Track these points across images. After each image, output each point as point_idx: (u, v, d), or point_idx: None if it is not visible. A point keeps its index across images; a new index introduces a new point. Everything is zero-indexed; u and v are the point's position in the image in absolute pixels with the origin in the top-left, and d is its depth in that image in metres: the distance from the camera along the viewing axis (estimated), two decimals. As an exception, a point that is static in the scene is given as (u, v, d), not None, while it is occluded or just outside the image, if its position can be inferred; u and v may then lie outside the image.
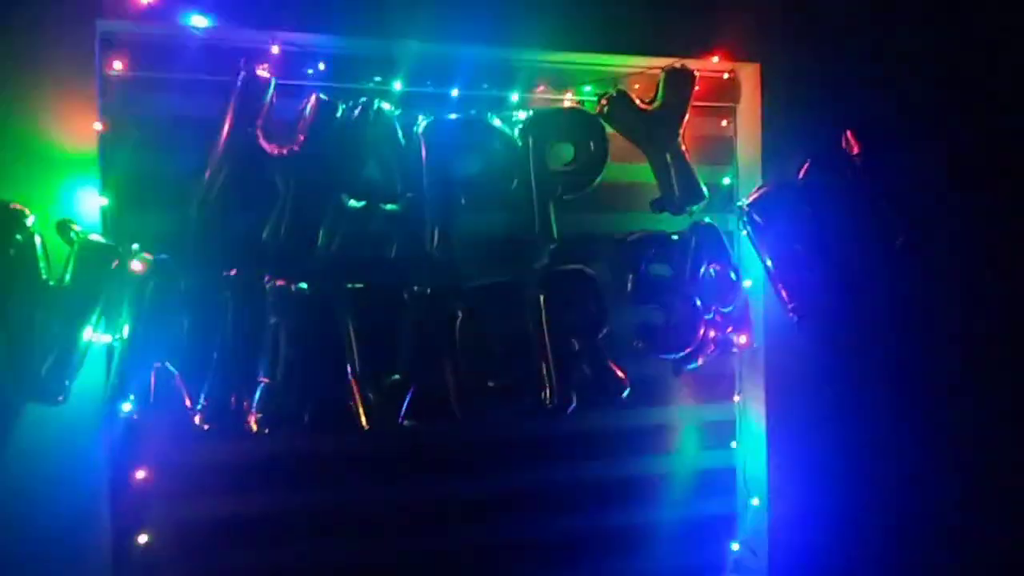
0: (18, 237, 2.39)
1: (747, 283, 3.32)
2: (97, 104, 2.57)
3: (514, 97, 3.04)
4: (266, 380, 2.66)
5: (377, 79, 2.90)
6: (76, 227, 2.47)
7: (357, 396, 2.75)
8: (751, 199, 3.26)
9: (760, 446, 3.40)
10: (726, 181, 3.38)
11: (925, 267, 3.52)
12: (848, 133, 3.38)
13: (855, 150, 3.37)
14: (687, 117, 3.12)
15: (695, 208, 3.16)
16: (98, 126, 2.56)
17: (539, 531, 3.18)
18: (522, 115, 2.99)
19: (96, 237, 2.49)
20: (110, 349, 2.55)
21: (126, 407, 2.54)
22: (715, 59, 3.25)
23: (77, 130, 2.53)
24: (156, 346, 2.55)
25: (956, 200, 3.56)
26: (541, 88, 3.11)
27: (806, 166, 3.32)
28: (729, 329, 3.26)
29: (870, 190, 3.36)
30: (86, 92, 2.55)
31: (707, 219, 3.23)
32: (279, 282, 2.69)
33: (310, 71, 2.84)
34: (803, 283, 3.28)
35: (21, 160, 2.48)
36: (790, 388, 3.38)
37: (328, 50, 2.83)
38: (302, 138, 2.69)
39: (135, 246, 2.52)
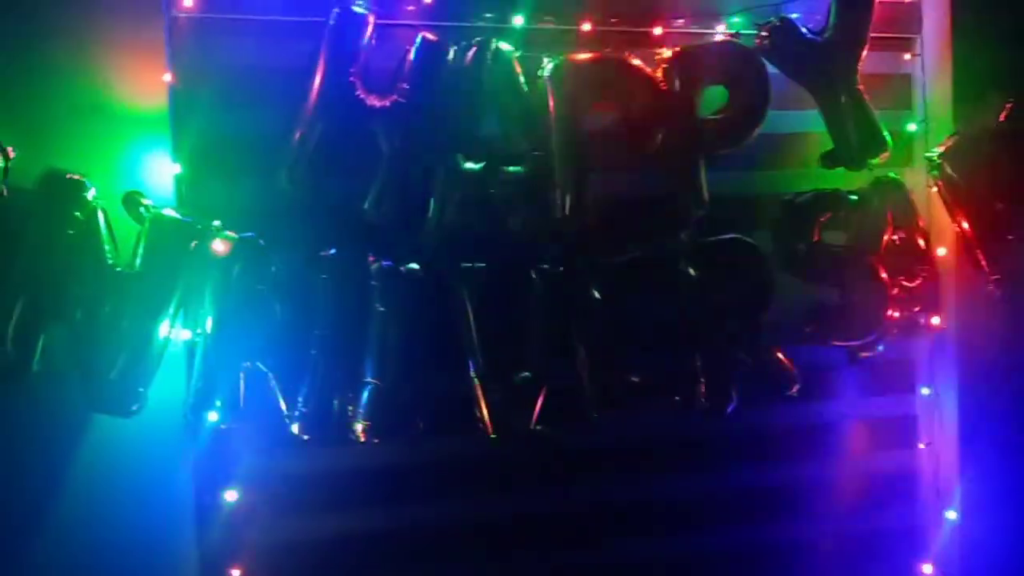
0: (77, 214, 2.03)
1: (939, 251, 2.76)
2: (165, 52, 2.19)
3: (654, 31, 2.54)
4: (374, 381, 2.25)
5: (489, 15, 2.44)
6: (146, 201, 2.10)
7: (481, 397, 2.35)
8: (943, 149, 2.71)
9: (951, 448, 2.89)
10: (911, 127, 2.83)
11: None
12: (1057, 65, 2.78)
13: (1064, 85, 2.78)
14: (865, 50, 2.57)
15: (875, 161, 2.63)
16: (168, 78, 2.18)
17: (690, 546, 2.79)
18: (665, 52, 2.50)
19: (170, 212, 2.11)
20: (191, 347, 2.18)
21: (212, 416, 2.16)
22: (896, -22, 2.69)
23: (143, 83, 2.16)
24: (245, 342, 2.18)
25: None
26: (685, 20, 2.59)
27: (1008, 107, 2.75)
28: (916, 308, 2.76)
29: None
30: (152, 37, 2.17)
31: (891, 174, 2.69)
32: (385, 262, 2.29)
33: (411, 7, 2.41)
34: (1007, 250, 2.71)
35: (78, 121, 2.12)
36: (989, 378, 2.86)
37: (437, -21, 2.38)
38: (406, 87, 2.28)
39: (216, 223, 2.14)
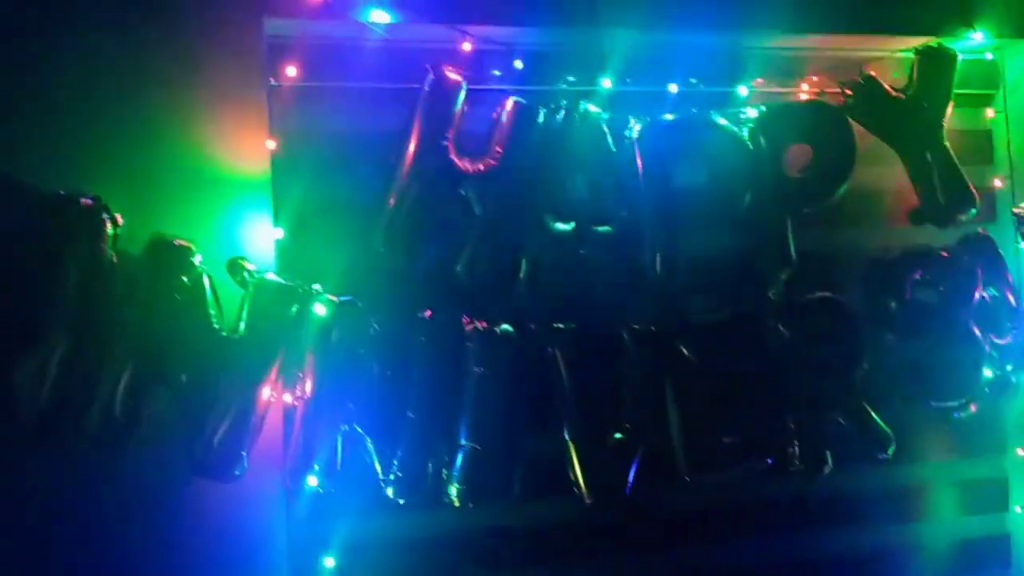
0: (184, 279, 2.03)
1: (1032, 308, 2.71)
2: (267, 118, 2.20)
3: (741, 91, 2.54)
4: (469, 444, 2.21)
5: (571, 79, 2.44)
6: (250, 265, 2.09)
7: (576, 461, 2.29)
8: (1030, 203, 2.66)
9: (1046, 511, 2.78)
10: (997, 183, 2.77)
11: None
12: None
13: None
14: (950, 106, 2.55)
15: (964, 217, 2.58)
16: (271, 144, 2.19)
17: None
18: (752, 112, 2.50)
19: (273, 277, 2.11)
20: (289, 411, 2.14)
21: (311, 480, 2.12)
22: (975, 35, 2.67)
23: (246, 149, 2.18)
24: (343, 405, 2.14)
25: None
26: (766, 81, 2.59)
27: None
28: (1008, 367, 2.66)
29: None
30: (255, 104, 2.19)
31: (979, 230, 2.65)
32: (480, 324, 2.26)
33: (497, 72, 2.42)
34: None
35: (184, 187, 2.14)
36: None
37: (525, 46, 2.42)
38: (499, 150, 2.30)
39: (316, 286, 2.12)
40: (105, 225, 1.98)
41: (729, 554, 2.62)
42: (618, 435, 2.33)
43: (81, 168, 2.04)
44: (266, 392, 2.06)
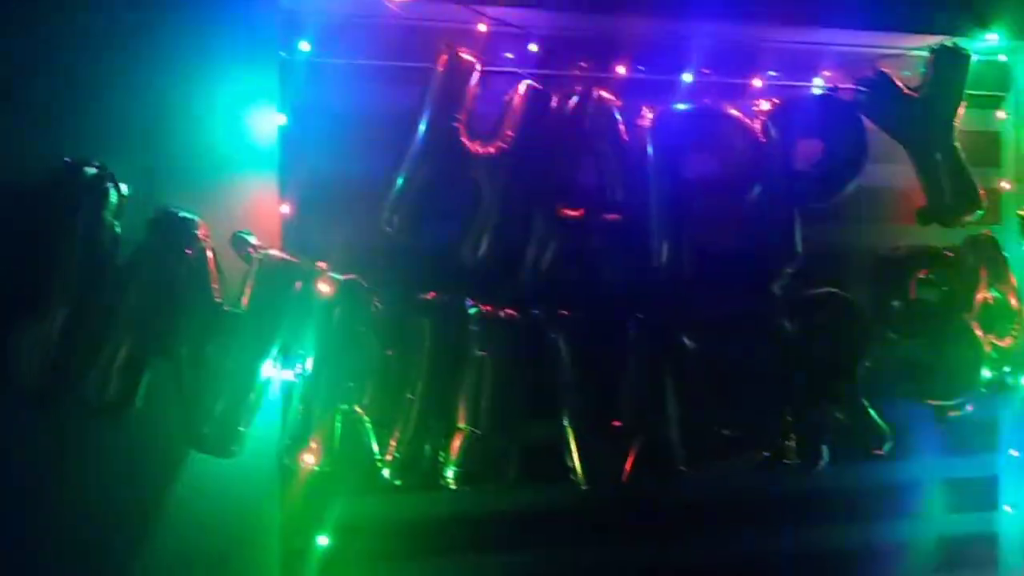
0: (188, 252, 2.01)
1: (1033, 311, 2.71)
2: (278, 93, 2.17)
3: (755, 83, 2.51)
4: (468, 427, 2.20)
5: (584, 65, 2.42)
6: (255, 241, 2.07)
7: (573, 447, 2.29)
8: (1035, 207, 2.66)
9: (1035, 511, 2.80)
10: (1004, 185, 2.77)
11: None
12: None
13: None
14: (962, 107, 2.54)
15: (969, 218, 2.58)
16: (281, 119, 2.16)
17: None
18: (764, 105, 2.47)
19: (278, 253, 2.08)
20: (288, 389, 2.14)
21: (307, 458, 2.10)
22: (990, 37, 2.65)
23: (256, 124, 2.14)
24: (342, 384, 2.13)
25: None
26: (780, 74, 2.57)
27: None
28: (1006, 368, 2.67)
29: None
30: (266, 79, 2.15)
31: (984, 231, 2.65)
32: (484, 307, 2.25)
33: (511, 55, 2.38)
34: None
35: (190, 160, 2.10)
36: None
37: (540, 29, 2.38)
38: (510, 134, 2.27)
39: (321, 264, 2.11)
40: (109, 194, 1.95)
41: (722, 545, 2.62)
42: (617, 423, 2.33)
43: (88, 137, 2.00)
44: (266, 368, 2.04)
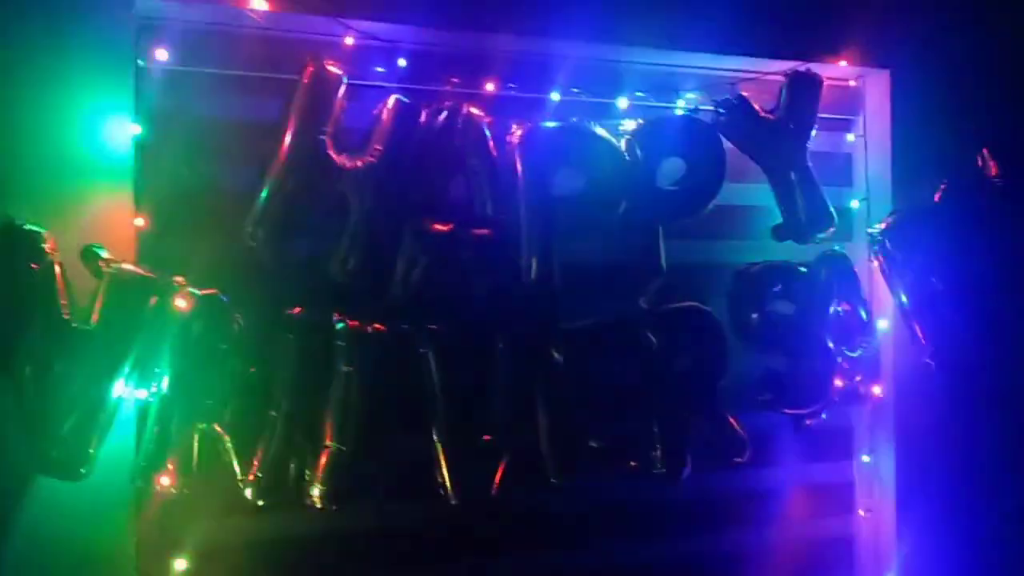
0: (33, 267, 1.91)
1: (882, 323, 2.86)
2: (133, 102, 2.10)
3: (620, 104, 2.58)
4: (334, 444, 2.16)
5: (455, 81, 2.43)
6: (106, 255, 1.99)
7: (443, 462, 2.29)
8: (883, 226, 2.83)
9: (889, 514, 2.95)
10: (855, 204, 2.93)
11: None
12: (984, 151, 2.95)
13: (993, 171, 2.94)
14: (815, 130, 2.68)
15: (822, 235, 2.71)
16: (135, 129, 2.08)
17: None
18: (629, 124, 2.55)
19: (131, 267, 2.01)
20: (143, 408, 2.06)
21: (163, 480, 2.02)
22: (842, 63, 2.81)
23: (109, 133, 2.06)
24: (201, 403, 2.07)
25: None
26: (645, 95, 2.65)
27: (942, 188, 2.90)
28: (858, 377, 2.81)
29: (1014, 217, 2.92)
30: (120, 87, 2.08)
31: (836, 248, 2.78)
32: (351, 323, 2.22)
33: (380, 68, 2.38)
34: (943, 324, 2.82)
35: (37, 170, 2.00)
36: (925, 446, 2.93)
37: (410, 44, 2.38)
38: (379, 148, 2.26)
39: (178, 279, 2.05)
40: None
41: (592, 556, 2.65)
42: (487, 437, 2.34)
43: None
44: (118, 387, 1.97)
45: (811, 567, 2.94)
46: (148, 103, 2.13)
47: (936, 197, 2.90)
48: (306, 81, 2.17)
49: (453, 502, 2.28)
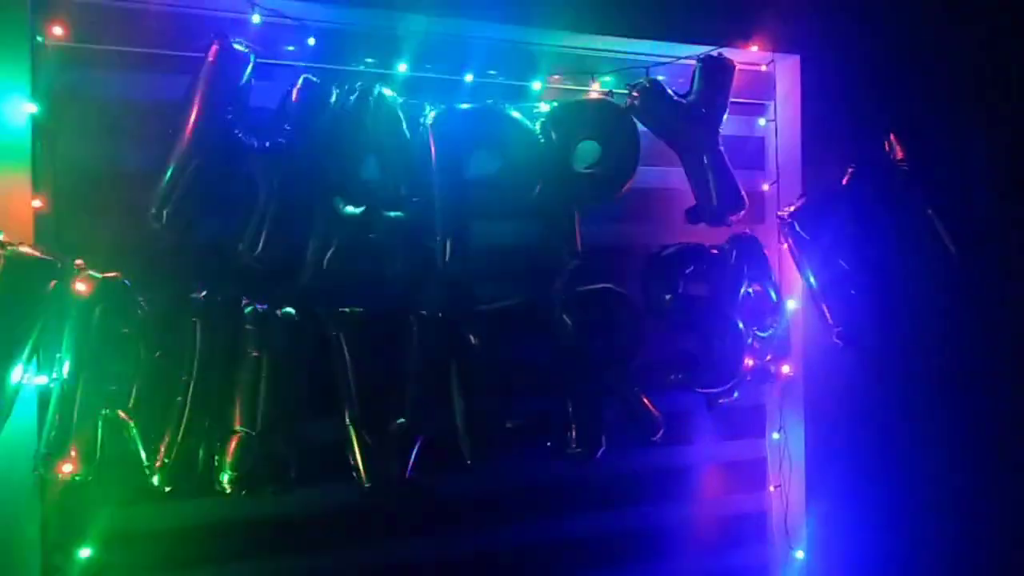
0: (-77, 249, 1.84)
1: (791, 304, 2.93)
2: (29, 80, 2.04)
3: (535, 86, 2.60)
4: (243, 429, 2.15)
5: (371, 60, 2.43)
6: (2, 237, 1.93)
7: (356, 446, 2.28)
8: (793, 209, 2.88)
9: (799, 489, 3.02)
10: (765, 187, 2.98)
11: (980, 284, 3.18)
12: (891, 136, 3.03)
13: (899, 155, 3.03)
14: (726, 114, 2.72)
15: (734, 218, 2.76)
16: (31, 108, 2.02)
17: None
18: (544, 107, 2.56)
19: (28, 250, 1.95)
20: (44, 393, 2.02)
21: (66, 467, 1.98)
22: (753, 48, 2.86)
23: (4, 112, 2.00)
24: (104, 389, 2.03)
25: (1013, 210, 3.23)
26: (561, 77, 2.66)
27: (850, 172, 2.97)
28: (768, 357, 2.88)
29: (919, 200, 3.02)
30: (16, 64, 2.01)
31: (746, 231, 2.84)
32: (260, 306, 2.21)
33: (291, 47, 2.35)
34: (850, 304, 2.90)
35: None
36: (834, 423, 3.02)
37: (320, 23, 2.35)
38: (288, 129, 2.24)
39: (79, 262, 2.01)
40: None
41: (508, 536, 2.68)
42: (400, 420, 2.34)
43: None
44: (17, 373, 1.91)
45: (725, 542, 3.01)
46: (46, 81, 2.08)
47: (844, 181, 2.97)
48: (212, 60, 2.13)
49: (366, 486, 2.28)
